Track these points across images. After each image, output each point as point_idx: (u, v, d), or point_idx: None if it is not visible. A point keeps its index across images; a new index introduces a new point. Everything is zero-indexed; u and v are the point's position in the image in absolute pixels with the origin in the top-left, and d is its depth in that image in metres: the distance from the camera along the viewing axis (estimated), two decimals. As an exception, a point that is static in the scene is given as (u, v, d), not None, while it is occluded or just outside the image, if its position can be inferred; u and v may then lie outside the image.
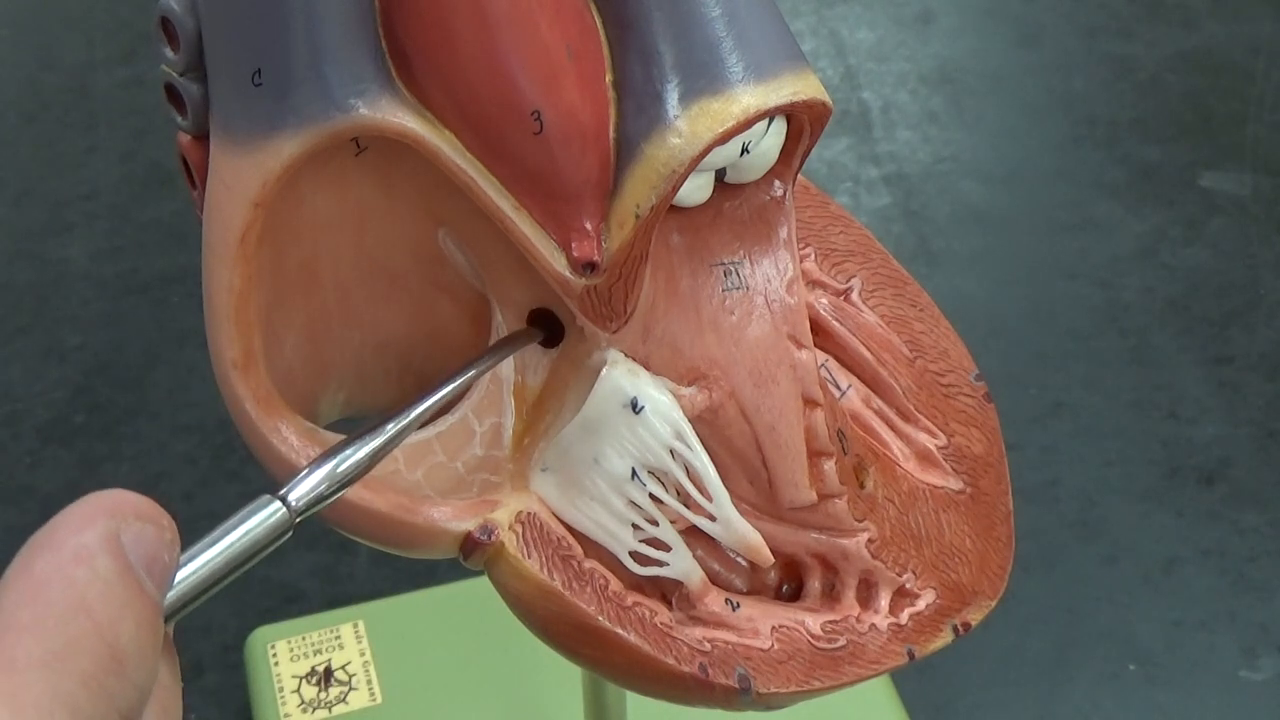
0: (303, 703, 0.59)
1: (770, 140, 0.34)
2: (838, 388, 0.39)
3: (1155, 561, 0.69)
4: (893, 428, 0.39)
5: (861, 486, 0.37)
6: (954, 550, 0.38)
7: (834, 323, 0.39)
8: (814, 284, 0.39)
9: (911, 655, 0.36)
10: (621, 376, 0.35)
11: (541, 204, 0.33)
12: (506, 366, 0.36)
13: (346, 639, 0.62)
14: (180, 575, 0.27)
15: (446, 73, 0.32)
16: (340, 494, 0.31)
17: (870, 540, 0.37)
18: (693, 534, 0.36)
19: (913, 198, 0.88)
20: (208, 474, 0.73)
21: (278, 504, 0.29)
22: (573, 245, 0.33)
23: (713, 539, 0.36)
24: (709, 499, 0.35)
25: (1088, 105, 0.95)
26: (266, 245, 0.33)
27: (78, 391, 0.77)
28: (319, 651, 0.61)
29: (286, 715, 0.59)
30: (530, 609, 0.34)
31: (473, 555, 0.34)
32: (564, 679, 0.52)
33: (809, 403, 0.36)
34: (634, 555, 0.35)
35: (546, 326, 0.36)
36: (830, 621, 0.36)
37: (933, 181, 0.89)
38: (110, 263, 0.85)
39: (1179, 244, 0.85)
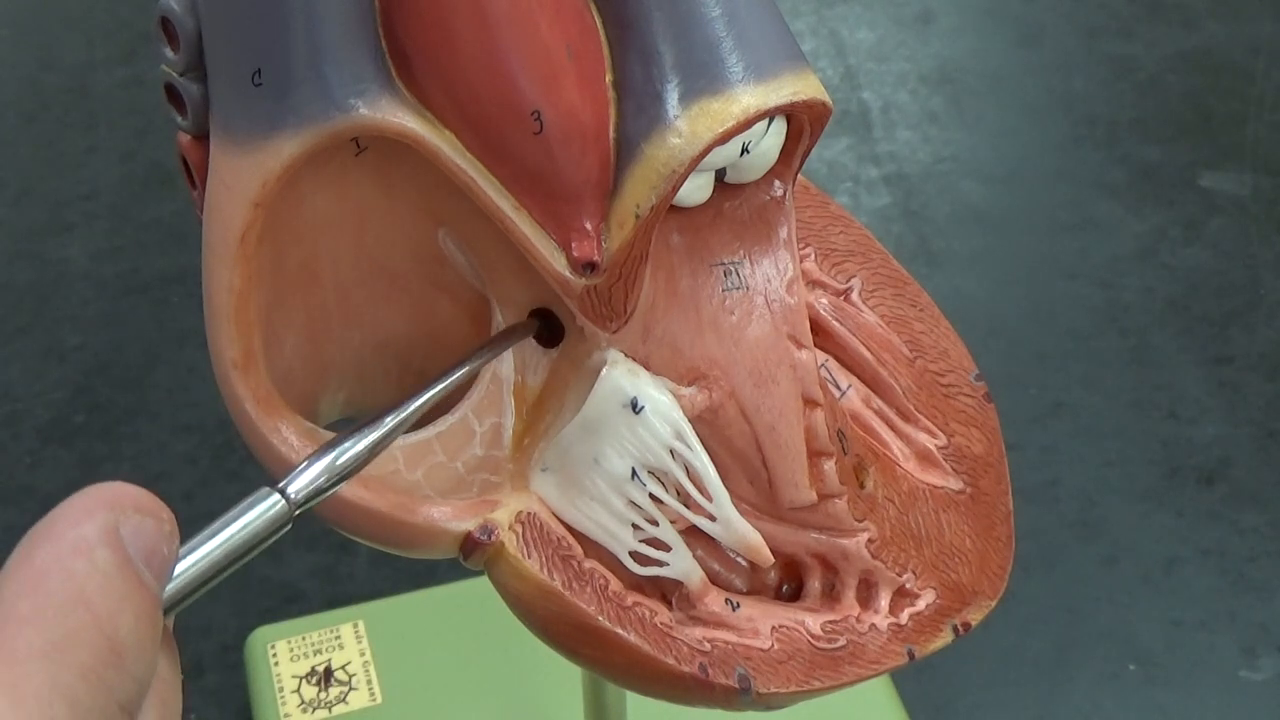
0: (303, 703, 0.59)
1: (770, 140, 0.34)
2: (838, 388, 0.39)
3: (1155, 561, 0.69)
4: (893, 428, 0.39)
5: (861, 486, 0.37)
6: (954, 550, 0.38)
7: (834, 323, 0.39)
8: (814, 284, 0.39)
9: (911, 655, 0.36)
10: (621, 376, 0.35)
11: (541, 204, 0.33)
12: (506, 366, 0.36)
13: (346, 639, 0.62)
14: (180, 568, 0.27)
15: (446, 73, 0.32)
16: (339, 486, 0.31)
17: (870, 540, 0.37)
18: (693, 534, 0.36)
19: (913, 198, 0.88)
20: (208, 474, 0.73)
21: (277, 496, 0.29)
22: (573, 245, 0.33)
23: (713, 539, 0.36)
24: (709, 499, 0.35)
25: (1088, 105, 0.95)
26: (266, 245, 0.33)
27: (78, 391, 0.77)
28: (319, 651, 0.61)
29: (286, 715, 0.59)
30: (530, 609, 0.34)
31: (473, 555, 0.34)
32: (564, 679, 0.52)
33: (809, 403, 0.36)
34: (634, 555, 0.35)
35: (546, 326, 0.36)
36: (830, 621, 0.36)
37: (933, 181, 0.89)
38: (110, 263, 0.85)
39: (1179, 244, 0.85)
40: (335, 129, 0.32)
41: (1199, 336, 0.79)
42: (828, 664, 0.36)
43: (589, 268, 0.33)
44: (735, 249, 0.36)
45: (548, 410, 0.36)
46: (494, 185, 0.33)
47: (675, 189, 0.32)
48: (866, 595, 0.37)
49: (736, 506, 0.36)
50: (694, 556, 0.36)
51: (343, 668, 0.61)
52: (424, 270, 0.37)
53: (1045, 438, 0.74)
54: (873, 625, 0.37)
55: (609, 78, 0.33)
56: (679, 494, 0.35)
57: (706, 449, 0.35)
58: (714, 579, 0.36)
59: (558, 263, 0.33)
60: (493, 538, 0.34)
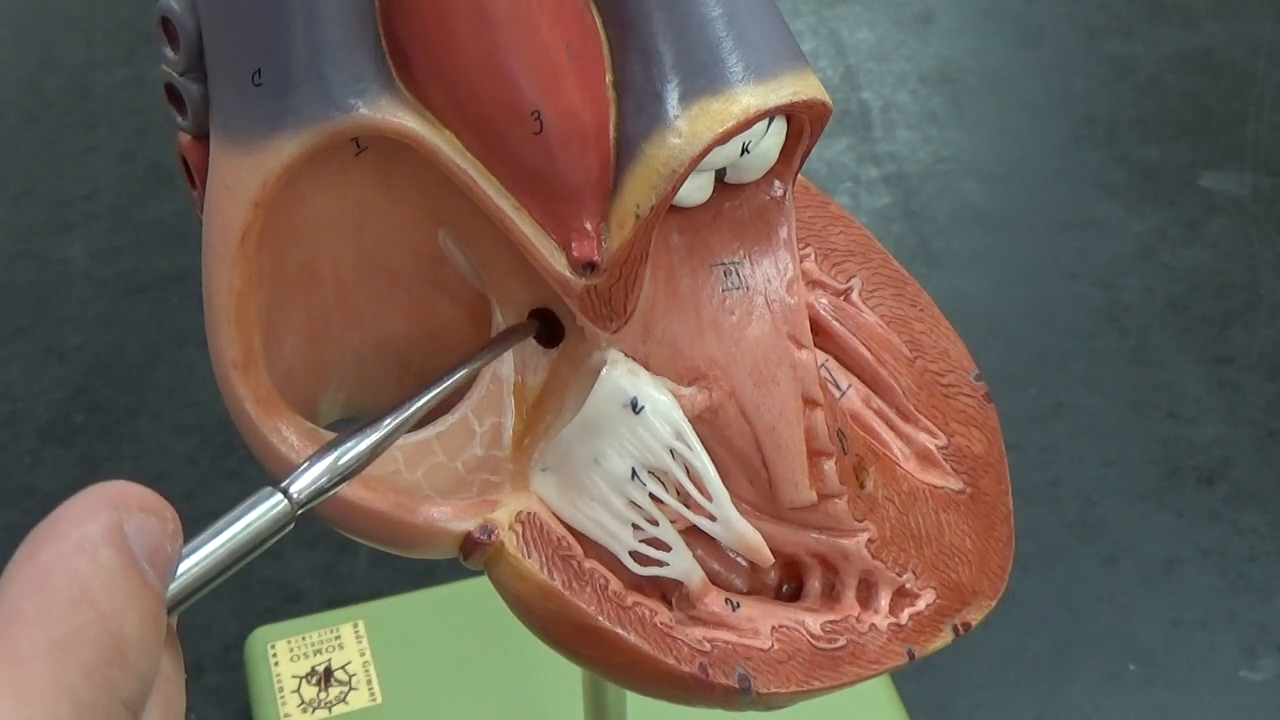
0: (303, 703, 0.59)
1: (770, 140, 0.34)
2: (838, 388, 0.39)
3: (1155, 561, 0.69)
4: (893, 428, 0.39)
5: (861, 486, 0.37)
6: (954, 550, 0.38)
7: (834, 323, 0.39)
8: (814, 284, 0.39)
9: (911, 655, 0.36)
10: (621, 376, 0.35)
11: (541, 204, 0.33)
12: (506, 366, 0.36)
13: (346, 639, 0.62)
14: (183, 567, 0.27)
15: (446, 73, 0.32)
16: (341, 486, 0.31)
17: (870, 540, 0.37)
18: (693, 534, 0.36)
19: (913, 198, 0.88)
20: (208, 474, 0.73)
21: (279, 496, 0.29)
22: (573, 245, 0.33)
23: (713, 539, 0.36)
24: (709, 499, 0.35)
25: (1088, 105, 0.95)
26: (266, 245, 0.33)
27: (78, 391, 0.77)
28: (319, 651, 0.61)
29: (286, 715, 0.59)
30: (530, 609, 0.34)
31: (473, 555, 0.34)
32: (564, 679, 0.52)
33: (809, 403, 0.36)
34: (634, 555, 0.35)
35: (546, 327, 0.36)
36: (830, 621, 0.36)
37: (933, 181, 0.89)
38: (110, 263, 0.85)
39: (1179, 244, 0.85)
40: (335, 129, 0.32)
41: (1199, 336, 0.79)
42: (828, 664, 0.36)
43: (589, 268, 0.33)
44: (735, 249, 0.36)
45: (548, 410, 0.36)
46: (494, 185, 0.33)
47: (675, 189, 0.32)
48: (866, 595, 0.37)
49: (736, 506, 0.36)
50: (694, 556, 0.36)
51: (343, 668, 0.61)
52: (424, 270, 0.37)
53: (1045, 438, 0.74)
54: (873, 625, 0.37)
55: (609, 78, 0.33)
56: (679, 494, 0.35)
57: (706, 449, 0.35)
58: (714, 579, 0.36)
59: (558, 263, 0.33)
60: (493, 538, 0.34)
